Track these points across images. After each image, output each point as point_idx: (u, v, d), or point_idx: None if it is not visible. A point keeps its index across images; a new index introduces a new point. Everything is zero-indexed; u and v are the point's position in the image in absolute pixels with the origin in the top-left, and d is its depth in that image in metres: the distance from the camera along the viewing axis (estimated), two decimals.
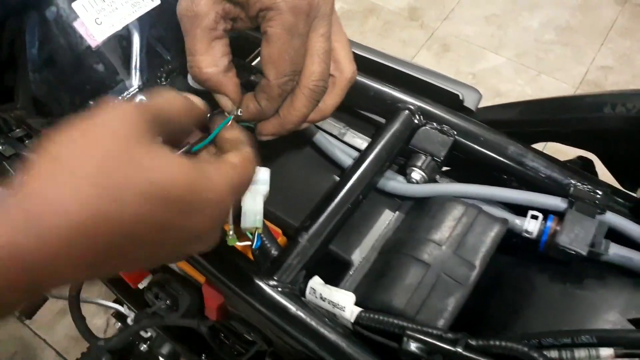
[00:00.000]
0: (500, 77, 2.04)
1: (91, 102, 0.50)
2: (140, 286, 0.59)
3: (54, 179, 0.28)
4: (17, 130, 0.64)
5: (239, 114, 0.47)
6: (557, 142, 0.59)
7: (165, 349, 0.88)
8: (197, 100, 0.41)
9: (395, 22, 2.25)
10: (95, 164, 0.29)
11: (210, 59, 0.44)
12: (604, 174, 0.57)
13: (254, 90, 0.47)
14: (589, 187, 0.48)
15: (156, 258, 0.35)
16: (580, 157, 0.58)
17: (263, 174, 0.45)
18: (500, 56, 2.10)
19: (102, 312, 1.52)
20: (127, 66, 0.50)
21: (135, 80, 0.50)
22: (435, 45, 2.16)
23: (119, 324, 1.09)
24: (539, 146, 0.56)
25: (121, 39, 0.49)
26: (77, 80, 0.49)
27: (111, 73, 0.49)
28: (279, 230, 0.54)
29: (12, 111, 0.55)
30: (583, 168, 0.56)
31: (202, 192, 0.32)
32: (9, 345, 1.52)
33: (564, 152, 0.61)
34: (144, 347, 1.08)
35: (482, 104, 0.62)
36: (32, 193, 0.28)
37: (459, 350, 0.39)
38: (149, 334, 1.03)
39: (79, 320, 0.58)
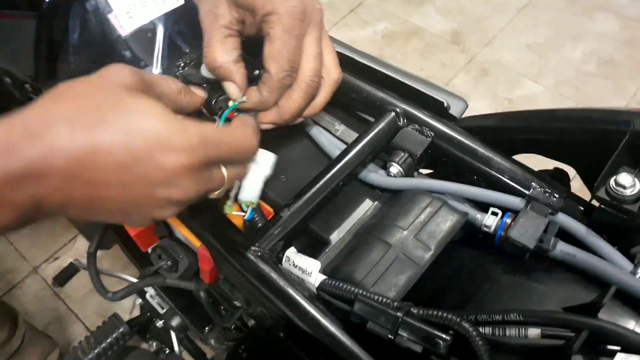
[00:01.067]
0: (537, 105, 2.05)
1: None
2: (150, 250, 0.67)
3: (54, 106, 0.37)
4: None
5: (243, 100, 0.54)
6: (537, 153, 0.63)
7: (175, 322, 0.96)
8: (197, 90, 0.52)
9: (437, 44, 2.30)
10: (88, 101, 0.38)
11: (224, 50, 0.52)
12: None
13: (252, 83, 0.55)
14: (547, 190, 0.52)
15: (127, 201, 0.40)
16: (556, 168, 0.62)
17: (268, 158, 0.53)
18: (538, 84, 2.12)
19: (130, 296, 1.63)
20: (151, 55, 0.58)
21: (156, 68, 0.58)
22: (474, 69, 2.20)
23: (140, 299, 1.18)
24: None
25: (147, 32, 0.57)
26: (108, 63, 0.58)
27: (136, 59, 0.58)
28: (271, 210, 0.61)
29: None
30: (556, 177, 0.60)
31: (172, 135, 0.38)
32: (45, 316, 1.64)
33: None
34: (159, 323, 1.16)
35: None
36: (34, 115, 0.37)
37: (399, 314, 0.44)
38: (164, 310, 1.11)
39: (94, 274, 0.66)
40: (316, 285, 0.50)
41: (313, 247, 0.58)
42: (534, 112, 0.60)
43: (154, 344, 1.19)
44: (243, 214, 0.55)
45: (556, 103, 2.05)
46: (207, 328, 0.87)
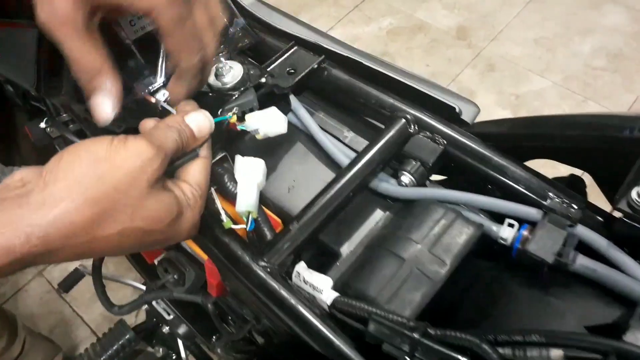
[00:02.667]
0: (544, 100, 2.02)
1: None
2: (156, 262, 0.66)
3: (70, 193, 0.38)
4: (64, 115, 0.72)
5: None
6: (552, 159, 0.62)
7: (182, 330, 0.95)
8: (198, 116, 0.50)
9: (443, 40, 2.28)
10: (106, 193, 0.39)
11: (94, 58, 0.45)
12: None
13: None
14: (565, 200, 0.51)
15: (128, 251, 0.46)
16: (572, 175, 0.60)
17: (257, 164, 0.51)
18: (546, 79, 2.09)
19: (135, 296, 1.62)
20: (154, 63, 0.56)
21: (160, 77, 0.57)
22: (481, 64, 2.17)
23: (146, 304, 1.17)
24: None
25: (150, 40, 0.56)
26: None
27: (140, 68, 0.56)
28: (279, 221, 0.59)
29: (58, 96, 0.62)
30: (572, 185, 0.58)
31: (175, 235, 0.46)
32: (50, 319, 1.64)
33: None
34: (165, 328, 1.15)
35: None
36: (50, 199, 0.38)
37: (416, 336, 0.42)
38: (170, 317, 1.10)
39: (99, 287, 0.65)
40: (328, 303, 0.48)
41: (322, 258, 0.57)
42: (546, 117, 0.57)
43: (161, 349, 1.18)
44: (244, 226, 0.53)
45: (564, 98, 2.02)
46: (214, 337, 0.85)
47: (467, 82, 2.10)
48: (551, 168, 0.59)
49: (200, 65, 0.50)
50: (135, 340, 1.07)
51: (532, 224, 0.51)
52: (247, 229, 0.52)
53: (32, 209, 0.37)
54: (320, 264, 0.55)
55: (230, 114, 0.52)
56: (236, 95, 0.57)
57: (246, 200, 0.50)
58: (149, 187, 0.42)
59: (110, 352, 1.04)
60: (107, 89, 0.45)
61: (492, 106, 1.99)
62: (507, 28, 2.28)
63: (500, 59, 2.17)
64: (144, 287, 1.14)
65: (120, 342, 1.07)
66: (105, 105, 0.45)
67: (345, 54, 0.65)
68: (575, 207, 0.50)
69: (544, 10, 2.33)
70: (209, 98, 0.57)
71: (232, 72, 0.57)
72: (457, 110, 0.60)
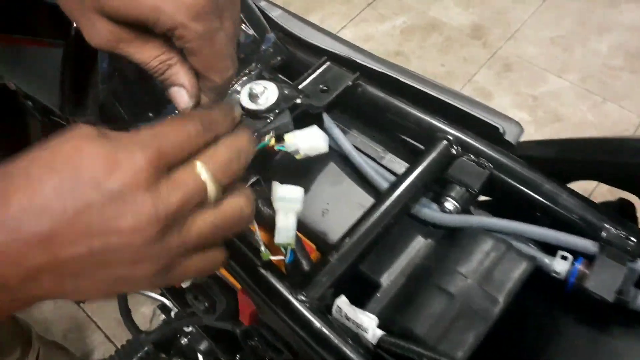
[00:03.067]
0: (562, 101, 1.99)
1: (150, 114, 0.54)
2: (183, 285, 0.63)
3: (29, 207, 0.30)
4: None
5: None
6: (599, 181, 0.59)
7: (203, 346, 0.92)
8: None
9: (457, 39, 2.24)
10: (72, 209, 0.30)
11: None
12: None
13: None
14: (622, 232, 0.48)
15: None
16: (622, 199, 0.57)
17: (296, 193, 0.48)
18: (563, 79, 2.05)
19: (150, 302, 1.60)
20: None
21: None
22: (497, 64, 2.13)
23: (163, 316, 1.15)
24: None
25: None
26: (138, 92, 0.54)
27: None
28: (313, 246, 0.57)
29: (83, 116, 0.60)
30: (622, 210, 0.55)
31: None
32: (64, 324, 1.62)
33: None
34: (184, 340, 1.13)
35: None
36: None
37: None
38: (190, 329, 1.08)
39: (125, 313, 0.63)
40: (374, 342, 0.45)
41: (360, 287, 0.54)
42: (598, 141, 0.55)
43: None
44: (282, 257, 0.50)
45: (582, 99, 1.98)
46: (238, 355, 0.83)
47: (483, 82, 2.07)
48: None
49: (230, 80, 0.46)
50: (153, 353, 1.05)
51: (586, 257, 0.48)
52: (287, 261, 0.49)
53: None
54: (360, 294, 0.52)
55: (268, 137, 0.50)
56: (271, 118, 0.54)
57: (286, 232, 0.47)
58: None
59: None
60: (180, 80, 0.44)
61: (509, 108, 1.95)
62: (523, 26, 2.24)
63: (516, 59, 2.13)
64: (159, 297, 1.12)
65: (138, 355, 1.05)
66: (181, 95, 0.45)
67: (381, 70, 0.62)
68: (633, 239, 0.47)
69: (559, 7, 2.28)
70: (243, 120, 0.54)
71: (267, 93, 0.54)
72: (501, 130, 0.57)
